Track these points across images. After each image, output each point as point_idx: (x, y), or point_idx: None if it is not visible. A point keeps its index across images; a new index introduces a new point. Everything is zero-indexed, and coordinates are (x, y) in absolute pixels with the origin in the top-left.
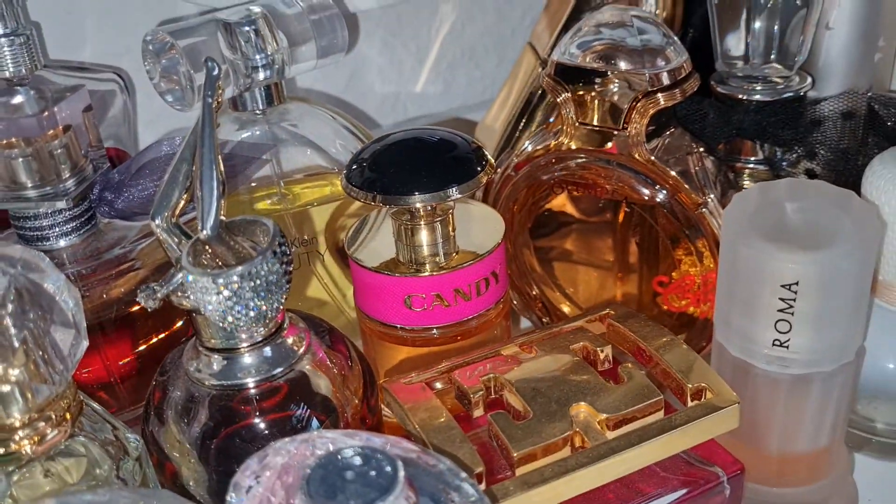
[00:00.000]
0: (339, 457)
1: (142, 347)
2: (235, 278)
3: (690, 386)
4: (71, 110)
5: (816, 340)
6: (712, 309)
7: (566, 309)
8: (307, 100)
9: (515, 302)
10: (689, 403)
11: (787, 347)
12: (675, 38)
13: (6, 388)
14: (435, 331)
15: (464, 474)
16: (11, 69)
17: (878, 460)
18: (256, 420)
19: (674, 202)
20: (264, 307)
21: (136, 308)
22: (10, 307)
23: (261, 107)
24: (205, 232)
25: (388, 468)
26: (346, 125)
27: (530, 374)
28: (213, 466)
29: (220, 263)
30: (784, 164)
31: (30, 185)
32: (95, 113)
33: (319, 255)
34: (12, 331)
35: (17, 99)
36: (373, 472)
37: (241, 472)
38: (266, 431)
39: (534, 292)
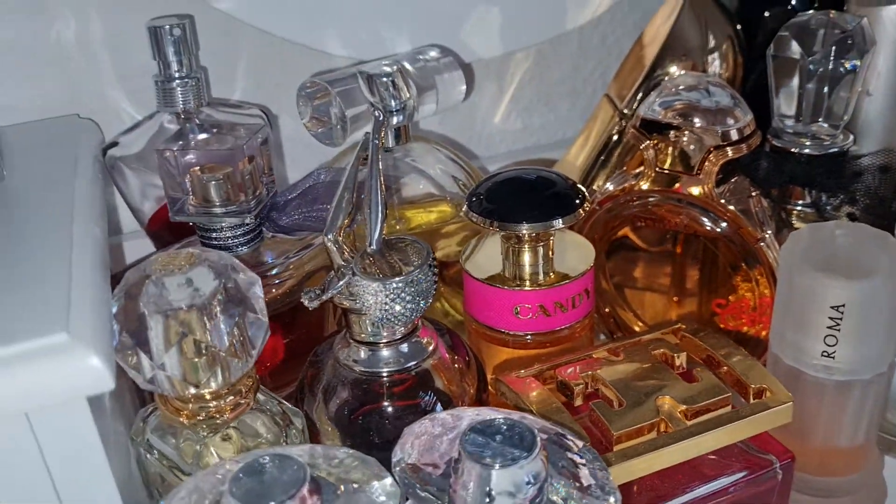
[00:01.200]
0: (492, 424)
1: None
2: (400, 284)
3: (753, 386)
4: (254, 144)
5: (858, 353)
6: (764, 329)
7: (635, 327)
8: (426, 139)
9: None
10: (752, 400)
11: (834, 358)
12: (742, 100)
13: (214, 365)
14: (529, 337)
15: (583, 442)
16: (182, 105)
17: None
18: (388, 403)
19: (736, 235)
20: (416, 310)
21: (284, 309)
22: (220, 298)
23: (391, 145)
24: (372, 246)
25: (529, 435)
26: (453, 157)
27: (620, 372)
28: (352, 438)
29: (378, 273)
30: (828, 207)
31: (218, 202)
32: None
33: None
34: (222, 320)
35: (202, 135)
36: (516, 437)
37: (405, 432)
38: (397, 413)
39: (606, 310)
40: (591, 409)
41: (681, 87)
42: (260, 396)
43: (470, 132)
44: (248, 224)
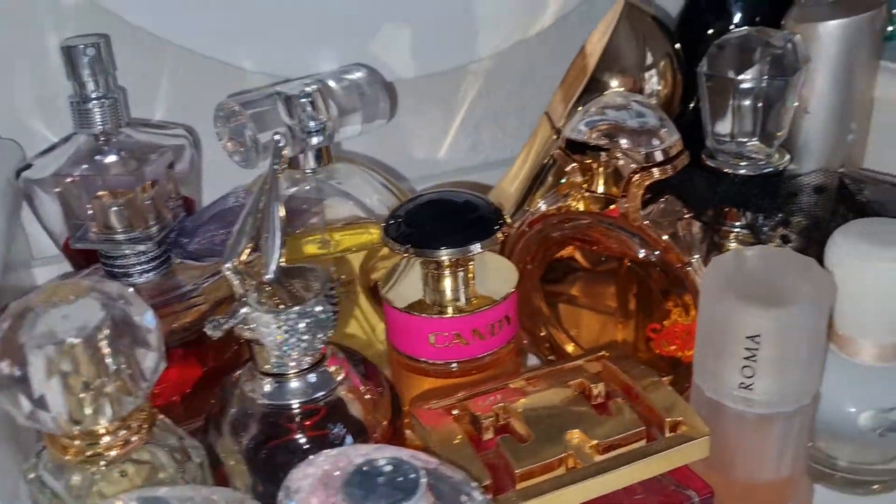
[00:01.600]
0: (373, 465)
1: (199, 372)
2: (293, 316)
3: (669, 419)
4: (158, 168)
5: (776, 385)
6: None
7: (570, 349)
8: (351, 160)
9: (525, 341)
10: (667, 434)
11: (752, 390)
12: (669, 121)
13: (101, 399)
14: (454, 365)
15: (474, 484)
16: (100, 127)
17: (841, 493)
18: (298, 436)
19: (664, 261)
20: (314, 341)
21: (197, 337)
22: (107, 331)
23: (312, 166)
24: (268, 275)
25: (413, 475)
26: (381, 181)
27: (534, 404)
28: (259, 473)
29: (278, 302)
30: (764, 229)
31: (119, 229)
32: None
33: (355, 294)
34: (108, 353)
35: (110, 158)
36: (400, 478)
37: (290, 477)
38: (306, 446)
39: (542, 333)
40: (497, 445)
41: (606, 107)
42: (157, 430)
43: (408, 153)
44: (152, 250)
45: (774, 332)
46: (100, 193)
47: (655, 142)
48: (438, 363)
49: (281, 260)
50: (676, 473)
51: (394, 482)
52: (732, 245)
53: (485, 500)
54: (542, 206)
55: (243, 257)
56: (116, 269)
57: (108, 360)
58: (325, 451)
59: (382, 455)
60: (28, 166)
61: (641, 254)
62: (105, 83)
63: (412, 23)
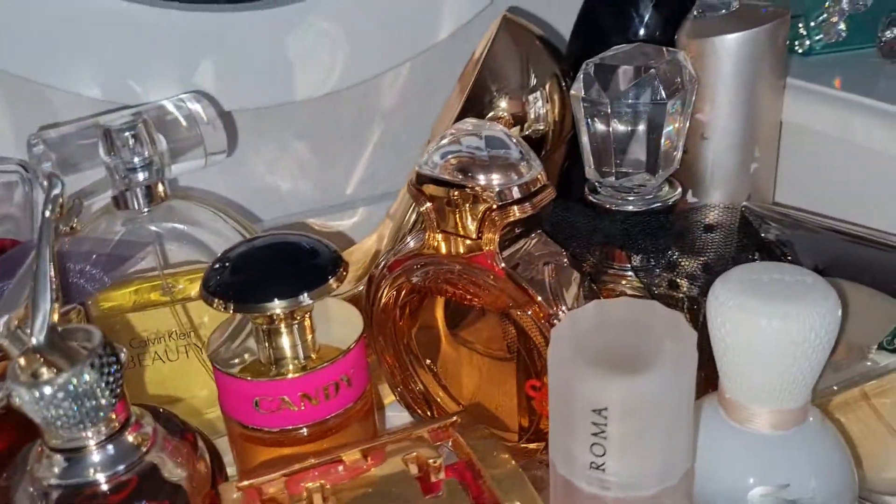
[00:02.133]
0: None
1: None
2: (49, 390)
3: None
4: None
5: (631, 465)
6: None
7: (452, 406)
8: (189, 196)
9: (398, 398)
10: None
11: (604, 470)
12: (532, 153)
13: None
14: (297, 430)
15: None
16: None
17: None
18: None
19: (524, 312)
20: (87, 413)
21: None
22: None
23: (141, 205)
24: (34, 340)
25: None
26: (228, 219)
27: (356, 484)
28: None
29: (44, 372)
30: (657, 270)
31: None
32: None
33: (199, 347)
34: None
35: None
36: None
37: None
38: None
39: (418, 387)
40: None
41: (462, 136)
42: None
43: (266, 192)
44: None
45: (622, 404)
46: None
47: (514, 177)
48: (270, 430)
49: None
50: None
51: None
52: (626, 290)
53: None
54: (411, 242)
55: (19, 319)
56: None
57: None
58: None
59: None
60: None
61: (505, 304)
62: None
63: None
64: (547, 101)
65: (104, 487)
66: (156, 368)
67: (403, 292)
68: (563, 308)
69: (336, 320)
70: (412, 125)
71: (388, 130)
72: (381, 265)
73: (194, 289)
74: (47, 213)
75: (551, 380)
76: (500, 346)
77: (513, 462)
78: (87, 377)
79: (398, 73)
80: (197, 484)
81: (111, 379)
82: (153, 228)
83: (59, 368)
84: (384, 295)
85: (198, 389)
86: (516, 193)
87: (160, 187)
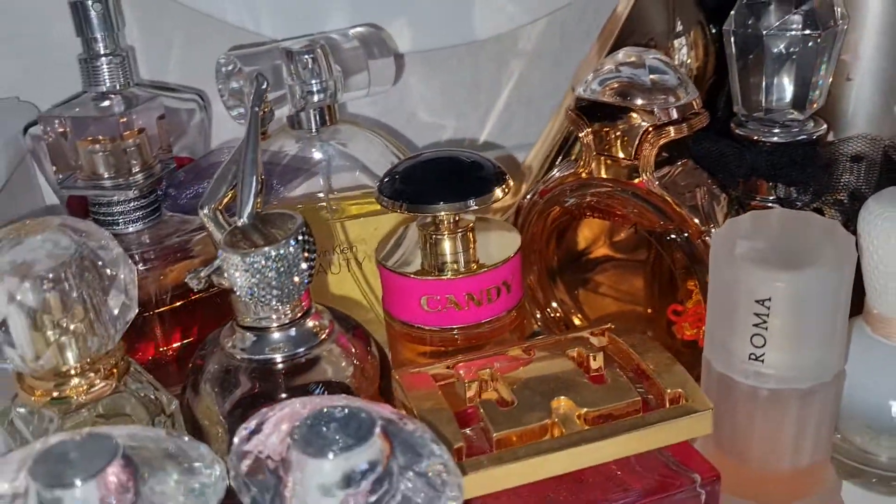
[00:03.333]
0: (328, 410)
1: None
2: (260, 258)
3: (669, 391)
4: (146, 116)
5: (790, 357)
6: None
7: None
8: (356, 122)
9: (538, 322)
10: (667, 407)
11: (763, 362)
12: (688, 79)
13: (65, 337)
14: (455, 331)
15: (437, 441)
16: (108, 84)
17: (880, 495)
18: (276, 391)
19: (679, 231)
20: (286, 285)
21: (194, 296)
22: (74, 268)
23: (314, 126)
24: (242, 220)
25: (367, 422)
26: (388, 145)
27: (525, 371)
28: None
29: (250, 247)
30: (798, 204)
31: (106, 176)
32: (177, 127)
33: (359, 262)
34: (74, 288)
35: (105, 103)
36: (354, 425)
37: (243, 427)
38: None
39: (558, 314)
40: (477, 409)
41: (621, 64)
42: (130, 381)
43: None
44: (137, 199)
45: (786, 296)
46: (87, 139)
47: (671, 99)
48: (434, 329)
49: (258, 207)
50: (679, 453)
51: (347, 428)
52: None
53: (445, 457)
54: (556, 173)
55: (223, 203)
56: (103, 218)
57: (73, 295)
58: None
59: (337, 403)
60: (34, 123)
61: (658, 225)
62: (112, 40)
63: None
64: (691, 48)
65: (282, 367)
66: (319, 279)
67: (552, 218)
68: (714, 228)
69: (494, 239)
70: (547, 80)
71: (522, 84)
72: (532, 193)
73: (355, 210)
74: (255, 108)
75: (713, 279)
76: (643, 272)
77: (672, 358)
78: (292, 250)
79: (534, 27)
80: (369, 375)
81: (310, 257)
82: (321, 149)
83: (256, 247)
84: (533, 222)
85: (356, 303)
86: (674, 114)
87: (332, 111)
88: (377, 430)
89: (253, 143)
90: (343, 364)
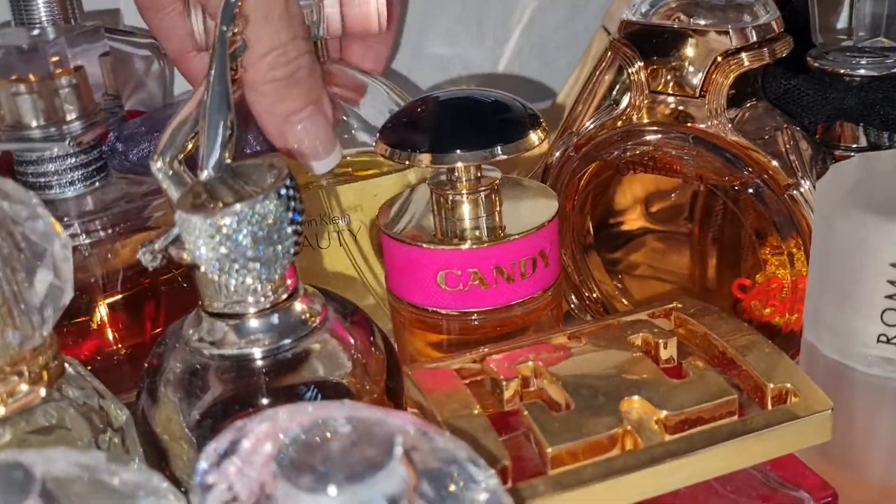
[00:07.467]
0: (322, 424)
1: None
2: (229, 220)
3: (772, 387)
4: (84, 52)
5: None
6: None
7: None
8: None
9: (574, 305)
10: (770, 408)
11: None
12: None
13: None
14: (475, 317)
15: (478, 461)
16: (44, 20)
17: None
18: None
19: (762, 185)
20: (265, 258)
21: (153, 279)
22: None
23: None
24: (206, 172)
25: (382, 440)
26: (391, 91)
27: (577, 364)
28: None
29: (215, 207)
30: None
31: (34, 125)
32: (131, 77)
33: (353, 234)
34: None
35: (34, 33)
36: (363, 444)
37: (212, 448)
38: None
39: (594, 295)
40: (522, 416)
41: None
42: (67, 386)
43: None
44: (75, 154)
45: None
46: (13, 77)
47: (747, 18)
48: (452, 314)
49: (228, 157)
50: (782, 466)
51: (353, 448)
52: None
53: (492, 484)
54: (590, 125)
55: (183, 153)
56: (33, 179)
57: None
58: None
59: (341, 412)
60: None
61: (729, 175)
62: None
63: None
64: None
65: (262, 364)
66: (305, 255)
67: (588, 177)
68: (804, 181)
69: (524, 202)
70: (561, 29)
71: (534, 32)
72: (562, 150)
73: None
74: (224, 28)
75: (816, 241)
76: (673, 257)
77: (768, 342)
78: (272, 207)
79: None
80: (372, 372)
81: (297, 219)
82: None
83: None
84: (565, 183)
85: (350, 280)
86: (753, 37)
87: (318, 47)
88: (397, 449)
89: (219, 75)
90: (340, 359)
